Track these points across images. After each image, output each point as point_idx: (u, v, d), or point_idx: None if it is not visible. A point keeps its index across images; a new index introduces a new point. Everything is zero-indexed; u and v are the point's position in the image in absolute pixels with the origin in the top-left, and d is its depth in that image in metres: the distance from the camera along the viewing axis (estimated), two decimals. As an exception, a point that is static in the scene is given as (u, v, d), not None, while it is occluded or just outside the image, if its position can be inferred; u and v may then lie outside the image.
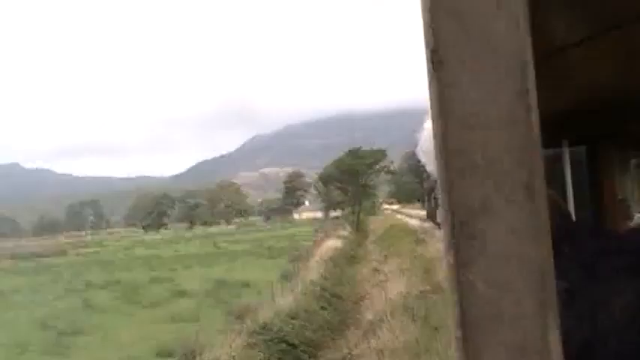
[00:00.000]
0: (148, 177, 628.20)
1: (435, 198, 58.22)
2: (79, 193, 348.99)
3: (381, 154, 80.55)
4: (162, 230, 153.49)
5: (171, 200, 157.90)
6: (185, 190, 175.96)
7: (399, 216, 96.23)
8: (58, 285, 38.13)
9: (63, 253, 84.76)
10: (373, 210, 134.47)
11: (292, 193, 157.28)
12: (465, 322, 0.59)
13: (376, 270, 32.59)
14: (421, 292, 18.40)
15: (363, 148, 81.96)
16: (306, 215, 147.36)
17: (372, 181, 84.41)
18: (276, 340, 17.49)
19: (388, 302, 19.01)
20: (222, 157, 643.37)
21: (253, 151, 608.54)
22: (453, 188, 0.60)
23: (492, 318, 0.59)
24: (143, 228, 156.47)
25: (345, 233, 67.80)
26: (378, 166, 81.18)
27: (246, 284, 34.17)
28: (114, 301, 28.61)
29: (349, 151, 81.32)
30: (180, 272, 42.33)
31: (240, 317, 20.59)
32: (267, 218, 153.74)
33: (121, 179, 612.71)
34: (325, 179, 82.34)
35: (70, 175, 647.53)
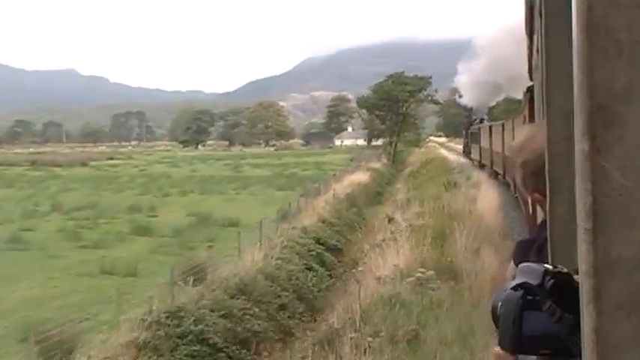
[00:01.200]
0: (200, 92, 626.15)
1: (471, 133, 54.26)
2: (130, 103, 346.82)
3: (424, 81, 72.53)
4: (200, 147, 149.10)
5: (210, 117, 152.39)
6: (228, 107, 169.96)
7: (442, 150, 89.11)
8: (22, 204, 32.81)
9: (83, 164, 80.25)
10: (417, 142, 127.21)
11: (335, 117, 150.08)
12: (596, 213, 0.56)
13: (390, 219, 26.22)
14: (419, 278, 11.92)
15: (406, 74, 73.94)
16: (348, 142, 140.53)
17: (414, 111, 76.65)
18: (182, 339, 11.27)
19: (370, 292, 12.66)
20: (274, 77, 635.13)
21: (305, 73, 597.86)
22: (593, 70, 0.56)
23: (626, 211, 0.55)
24: (181, 143, 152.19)
25: (377, 165, 61.20)
26: (421, 95, 73.29)
27: (234, 223, 28.16)
28: (54, 235, 22.89)
29: (390, 75, 73.49)
30: (172, 199, 36.59)
31: (185, 281, 14.35)
32: (307, 142, 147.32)
33: (172, 92, 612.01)
34: (362, 105, 74.87)
35: (123, 84, 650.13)
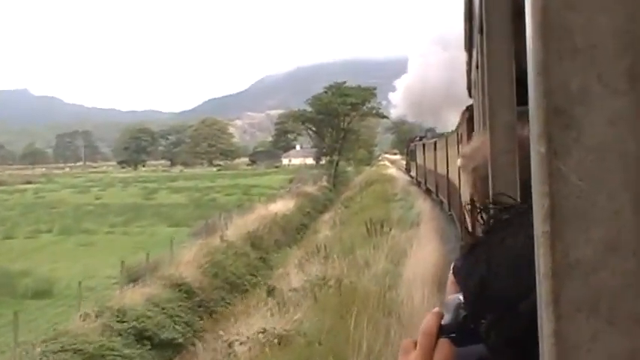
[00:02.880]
0: (157, 111, 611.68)
1: (410, 151, 50.78)
2: (83, 123, 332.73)
3: (368, 92, 63.56)
4: (141, 167, 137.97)
5: (151, 135, 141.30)
6: (178, 125, 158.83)
7: (391, 170, 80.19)
8: None
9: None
10: (369, 160, 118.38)
11: (284, 135, 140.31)
12: (554, 216, 0.56)
13: (270, 291, 16.75)
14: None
15: (348, 84, 64.87)
16: (296, 160, 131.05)
17: (357, 126, 67.51)
18: None
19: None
20: (231, 95, 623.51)
21: (263, 91, 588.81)
22: (549, 72, 0.55)
23: (584, 213, 0.56)
24: (119, 164, 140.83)
25: (311, 189, 51.56)
26: (364, 107, 64.25)
27: (45, 291, 18.20)
28: None
29: (329, 86, 64.30)
30: (10, 244, 26.42)
31: None
32: (253, 162, 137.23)
33: (128, 112, 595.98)
34: (297, 120, 65.40)
35: (78, 104, 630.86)
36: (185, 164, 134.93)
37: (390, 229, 20.18)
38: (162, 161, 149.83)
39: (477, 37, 2.39)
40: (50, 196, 56.62)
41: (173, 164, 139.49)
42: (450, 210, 21.53)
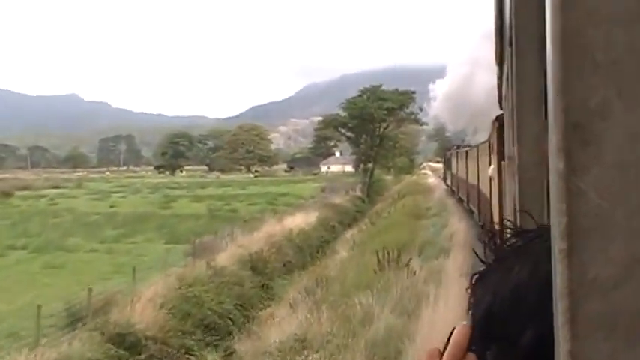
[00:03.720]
0: (202, 117, 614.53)
1: (446, 159, 49.73)
2: (130, 127, 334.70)
3: (406, 96, 58.75)
4: (178, 173, 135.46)
5: (189, 140, 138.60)
6: (217, 130, 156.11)
7: (430, 180, 75.28)
8: None
9: (6, 194, 66.39)
10: (410, 168, 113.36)
11: (323, 141, 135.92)
12: (571, 234, 0.55)
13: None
14: None
15: (385, 88, 60.18)
16: (335, 167, 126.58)
17: (394, 132, 62.72)
18: None
19: None
20: (275, 102, 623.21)
21: (308, 98, 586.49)
22: (569, 88, 0.54)
23: (603, 231, 0.54)
24: (156, 169, 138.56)
25: (340, 200, 47.09)
26: (402, 113, 59.48)
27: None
28: None
29: (364, 89, 59.75)
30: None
31: None
32: (291, 168, 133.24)
33: (174, 117, 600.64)
34: (329, 125, 60.92)
35: (125, 109, 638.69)
36: (222, 170, 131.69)
37: (409, 261, 15.54)
38: (201, 167, 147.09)
39: (507, 50, 2.46)
40: (65, 203, 53.35)
41: (211, 170, 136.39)
42: (480, 220, 21.03)
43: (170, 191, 69.57)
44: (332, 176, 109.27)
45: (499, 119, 9.87)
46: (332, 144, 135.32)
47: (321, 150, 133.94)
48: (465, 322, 0.92)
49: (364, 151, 60.48)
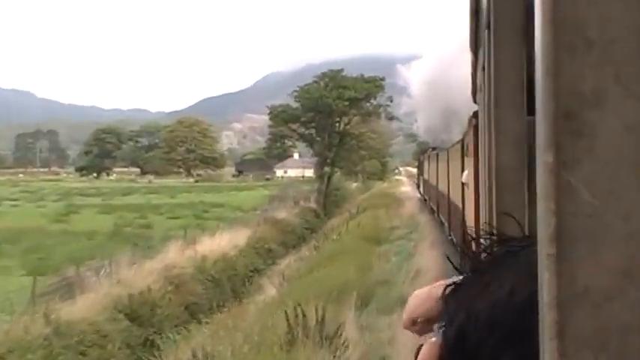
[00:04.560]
0: (144, 110, 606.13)
1: (419, 163, 49.23)
2: (57, 121, 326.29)
3: (373, 85, 54.59)
4: (105, 176, 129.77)
5: (117, 137, 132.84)
6: (150, 126, 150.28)
7: (403, 188, 71.52)
8: None
9: None
10: (382, 173, 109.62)
11: (278, 140, 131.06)
12: (561, 236, 0.54)
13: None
14: None
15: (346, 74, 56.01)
16: (293, 172, 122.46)
17: (358, 129, 58.54)
18: None
19: None
20: (230, 94, 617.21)
21: (268, 90, 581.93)
22: (559, 70, 0.54)
23: (596, 234, 0.54)
24: (78, 171, 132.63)
25: (284, 215, 42.82)
26: (369, 105, 55.44)
27: None
28: None
29: (321, 74, 55.52)
30: None
31: None
32: (240, 172, 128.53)
33: (111, 110, 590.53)
34: (275, 119, 56.42)
35: (52, 100, 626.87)
36: (157, 173, 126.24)
37: (341, 328, 11.04)
38: (132, 169, 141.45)
39: (484, 34, 2.45)
40: None
41: (144, 173, 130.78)
42: (449, 234, 21.29)
43: (82, 199, 65.07)
44: (288, 182, 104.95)
45: (476, 116, 9.01)
46: (289, 143, 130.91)
47: (276, 150, 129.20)
48: (433, 339, 0.93)
49: (320, 151, 56.14)
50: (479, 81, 3.50)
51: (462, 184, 15.00)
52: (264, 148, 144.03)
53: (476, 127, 9.78)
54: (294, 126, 56.50)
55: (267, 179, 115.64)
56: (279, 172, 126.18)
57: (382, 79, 55.99)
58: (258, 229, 36.08)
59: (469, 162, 13.11)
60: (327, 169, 56.19)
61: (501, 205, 1.66)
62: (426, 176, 38.85)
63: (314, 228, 43.68)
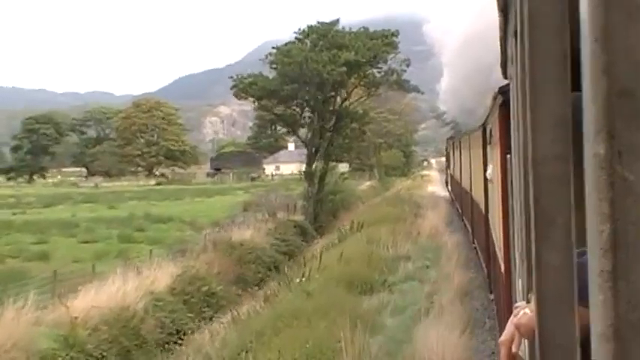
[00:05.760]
0: (107, 93, 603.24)
1: (447, 154, 51.47)
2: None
3: (380, 42, 48.21)
4: (40, 179, 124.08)
5: (56, 128, 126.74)
6: (98, 111, 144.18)
7: (430, 188, 65.36)
8: None
9: None
10: (403, 168, 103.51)
11: (269, 128, 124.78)
12: (617, 248, 0.53)
13: None
14: None
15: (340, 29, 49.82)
16: (288, 167, 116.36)
17: (363, 106, 52.37)
18: None
19: None
20: (216, 70, 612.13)
21: (262, 63, 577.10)
22: (611, 35, 0.51)
23: None
24: (4, 173, 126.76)
25: (245, 235, 37.11)
26: (375, 72, 49.25)
27: None
28: None
29: (309, 28, 49.38)
30: None
31: None
32: (217, 170, 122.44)
33: (64, 94, 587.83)
34: (242, 93, 49.97)
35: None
36: (108, 174, 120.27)
37: None
38: (78, 168, 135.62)
39: None
40: None
41: (91, 173, 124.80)
42: (473, 241, 22.94)
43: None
44: (280, 181, 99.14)
45: (503, 93, 9.79)
46: (283, 130, 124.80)
47: (265, 140, 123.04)
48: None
49: (307, 139, 49.94)
50: (510, 50, 3.53)
51: (485, 180, 14.93)
52: (249, 138, 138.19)
53: (502, 108, 9.97)
54: (269, 103, 50.14)
55: (253, 179, 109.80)
56: (269, 169, 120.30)
57: (394, 35, 49.51)
58: (198, 262, 29.92)
59: (493, 152, 12.84)
60: (318, 163, 49.75)
61: (540, 209, 1.56)
62: (451, 170, 39.37)
63: (293, 253, 37.66)
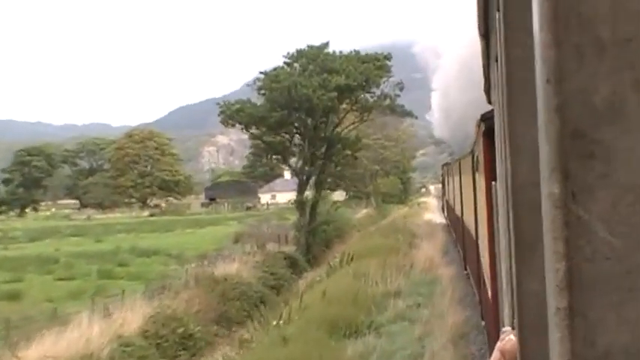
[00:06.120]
0: (102, 125, 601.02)
1: (442, 179, 51.96)
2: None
3: (372, 65, 46.51)
4: (32, 212, 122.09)
5: (47, 160, 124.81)
6: (91, 142, 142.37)
7: (428, 215, 63.48)
8: None
9: None
10: (401, 195, 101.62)
11: (265, 157, 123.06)
12: (573, 285, 0.51)
13: None
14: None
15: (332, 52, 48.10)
16: (284, 196, 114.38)
17: (354, 133, 50.54)
18: None
19: None
20: (213, 99, 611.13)
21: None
22: (563, 77, 0.50)
23: (616, 281, 0.50)
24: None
25: (231, 269, 35.22)
26: (367, 97, 47.51)
27: None
28: None
29: (297, 52, 47.63)
30: None
31: None
32: (212, 200, 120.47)
33: (62, 126, 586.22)
34: (228, 119, 48.07)
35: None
36: (102, 205, 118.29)
37: None
38: (71, 201, 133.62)
39: (494, 14, 2.31)
40: None
41: (84, 205, 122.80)
42: (465, 267, 22.62)
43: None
44: (275, 211, 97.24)
45: (485, 120, 9.86)
46: (279, 160, 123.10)
47: (261, 169, 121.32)
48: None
49: (297, 168, 48.15)
50: (493, 76, 3.39)
51: (475, 205, 14.82)
52: (244, 167, 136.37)
53: (485, 135, 9.95)
54: (257, 131, 48.29)
55: (248, 208, 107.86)
56: (265, 198, 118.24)
57: (387, 58, 47.72)
58: (176, 300, 27.86)
59: (480, 179, 12.66)
60: (311, 192, 47.93)
61: (520, 234, 1.52)
62: (447, 196, 39.25)
63: (282, 286, 35.67)
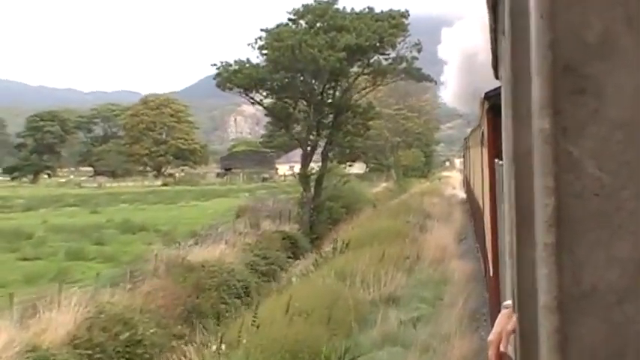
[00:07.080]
0: (133, 93, 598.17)
1: (465, 153, 50.13)
2: (13, 107, 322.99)
3: (387, 23, 41.21)
4: (45, 178, 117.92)
5: (61, 125, 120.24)
6: (106, 108, 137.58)
7: (450, 190, 58.41)
8: None
9: None
10: (423, 169, 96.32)
11: (284, 127, 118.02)
12: (561, 221, 0.50)
13: None
14: None
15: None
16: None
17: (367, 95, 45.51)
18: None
19: None
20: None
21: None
22: (556, 12, 0.49)
23: (605, 217, 0.49)
24: (7, 172, 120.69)
25: (214, 252, 30.29)
26: (382, 58, 42.39)
27: None
28: None
29: (304, 7, 42.56)
30: None
31: None
32: (227, 170, 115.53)
33: (91, 93, 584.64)
34: (225, 82, 42.80)
35: (16, 82, 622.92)
36: (114, 174, 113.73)
37: None
38: (86, 168, 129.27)
39: None
40: None
41: (97, 173, 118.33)
42: (477, 242, 21.99)
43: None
44: (292, 182, 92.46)
45: (489, 98, 9.87)
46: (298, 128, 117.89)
47: (277, 140, 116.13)
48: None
49: (301, 137, 43.07)
50: (500, 49, 2.91)
51: (482, 178, 14.60)
52: (262, 136, 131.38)
53: (490, 112, 10.03)
54: (256, 96, 43.11)
55: (265, 179, 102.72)
56: (282, 169, 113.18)
57: (403, 15, 42.28)
58: (133, 293, 22.86)
59: (485, 152, 12.71)
60: (314, 165, 42.87)
61: (521, 200, 1.37)
62: (466, 171, 38.38)
63: (275, 273, 30.80)
